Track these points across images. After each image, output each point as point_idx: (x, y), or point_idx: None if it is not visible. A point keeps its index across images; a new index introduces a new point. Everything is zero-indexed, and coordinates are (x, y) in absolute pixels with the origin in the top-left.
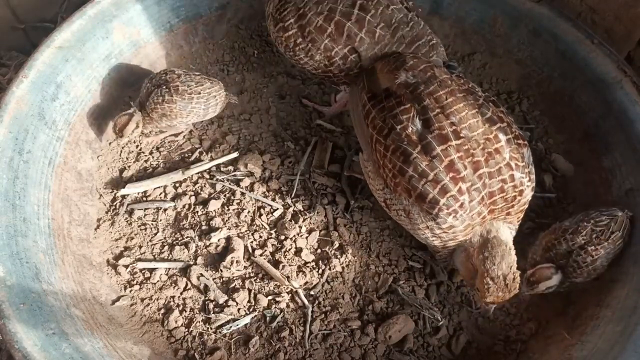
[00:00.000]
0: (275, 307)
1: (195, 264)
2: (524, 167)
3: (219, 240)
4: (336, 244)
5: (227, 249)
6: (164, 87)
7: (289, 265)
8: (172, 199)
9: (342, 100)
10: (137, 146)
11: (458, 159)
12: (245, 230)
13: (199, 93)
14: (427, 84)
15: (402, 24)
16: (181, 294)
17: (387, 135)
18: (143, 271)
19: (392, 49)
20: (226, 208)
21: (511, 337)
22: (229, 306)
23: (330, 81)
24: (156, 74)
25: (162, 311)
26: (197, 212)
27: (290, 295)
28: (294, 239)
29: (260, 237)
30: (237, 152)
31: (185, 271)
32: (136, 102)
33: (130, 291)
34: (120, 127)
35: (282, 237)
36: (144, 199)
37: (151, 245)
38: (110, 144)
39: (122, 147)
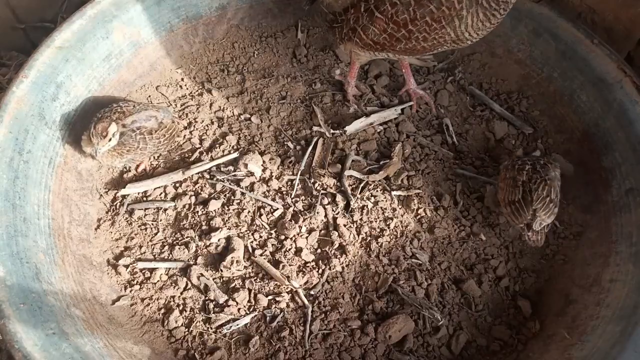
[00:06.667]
0: (275, 307)
1: (196, 263)
2: None
3: (219, 240)
4: (336, 244)
5: (227, 248)
6: (137, 131)
7: (289, 265)
8: (172, 199)
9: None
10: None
11: None
12: (246, 230)
13: (164, 135)
14: None
15: None
16: (181, 293)
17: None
18: (143, 271)
19: None
20: (226, 208)
21: (511, 337)
22: (229, 306)
23: None
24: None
25: (162, 311)
26: (197, 212)
27: (290, 295)
28: (294, 239)
29: (260, 237)
30: (237, 152)
31: (185, 271)
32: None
33: (131, 291)
34: (102, 129)
35: (282, 237)
36: (144, 199)
37: (151, 245)
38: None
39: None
